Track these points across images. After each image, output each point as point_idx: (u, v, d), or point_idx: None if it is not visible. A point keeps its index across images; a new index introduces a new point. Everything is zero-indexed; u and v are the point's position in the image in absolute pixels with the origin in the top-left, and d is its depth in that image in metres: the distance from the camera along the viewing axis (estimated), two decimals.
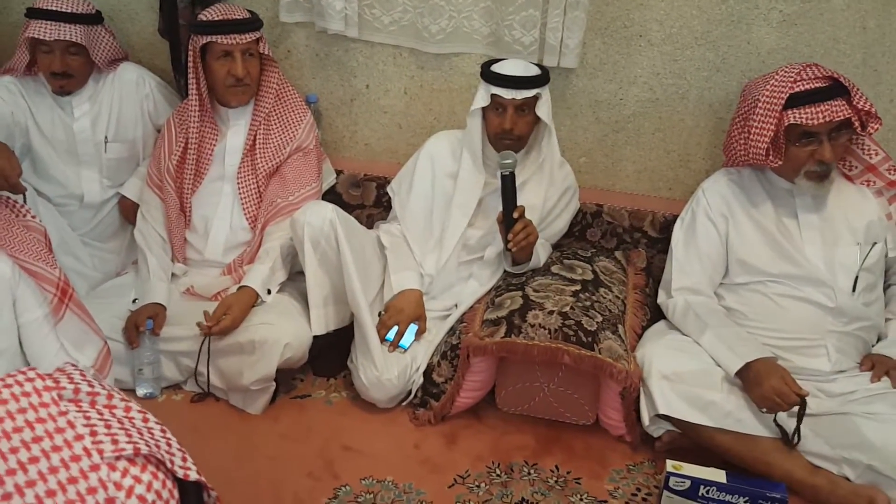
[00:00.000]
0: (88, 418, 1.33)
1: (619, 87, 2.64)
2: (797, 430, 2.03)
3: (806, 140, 2.14)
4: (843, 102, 2.10)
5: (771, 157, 2.19)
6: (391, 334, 2.36)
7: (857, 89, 2.12)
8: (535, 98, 2.33)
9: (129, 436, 1.33)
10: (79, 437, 1.29)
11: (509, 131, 2.34)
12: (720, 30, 2.49)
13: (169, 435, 1.42)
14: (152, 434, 1.39)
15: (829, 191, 2.21)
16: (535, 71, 2.34)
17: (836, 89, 2.11)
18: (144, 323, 2.31)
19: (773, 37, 2.47)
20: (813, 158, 2.14)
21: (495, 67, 2.34)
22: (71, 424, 1.30)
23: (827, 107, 2.09)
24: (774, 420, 2.05)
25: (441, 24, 2.63)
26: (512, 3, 2.51)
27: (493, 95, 2.32)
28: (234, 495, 2.00)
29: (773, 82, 2.16)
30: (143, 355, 2.31)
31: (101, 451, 1.29)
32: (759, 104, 2.17)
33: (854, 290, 2.18)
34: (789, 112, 2.12)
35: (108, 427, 1.33)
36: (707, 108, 2.60)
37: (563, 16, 2.47)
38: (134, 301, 2.44)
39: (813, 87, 2.11)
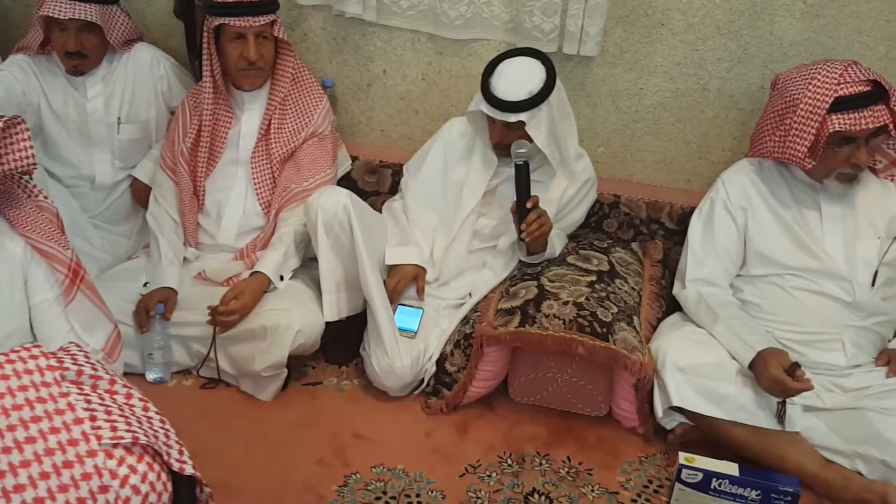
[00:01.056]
0: (89, 402, 1.31)
1: (640, 77, 2.61)
2: (782, 409, 2.02)
3: (844, 144, 2.11)
4: (884, 107, 2.07)
5: (807, 159, 2.15)
6: (400, 321, 2.34)
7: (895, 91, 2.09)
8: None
9: (129, 424, 1.32)
10: (78, 421, 1.27)
11: (500, 143, 2.32)
12: (742, 20, 2.46)
13: (168, 426, 1.40)
14: (151, 424, 1.37)
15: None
16: (529, 90, 2.24)
17: (878, 94, 2.07)
18: (155, 307, 2.30)
19: (795, 28, 2.43)
20: (848, 162, 2.11)
21: (494, 77, 2.28)
22: (71, 407, 1.28)
23: (870, 112, 2.06)
24: (778, 405, 2.03)
25: (460, 10, 2.60)
26: None
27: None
28: (243, 482, 2.00)
29: (817, 83, 2.11)
30: (153, 340, 2.30)
31: (99, 437, 1.27)
32: (801, 105, 2.12)
33: (873, 284, 2.16)
34: (833, 117, 2.07)
35: (109, 413, 1.31)
36: (728, 99, 2.57)
37: (583, 3, 2.44)
38: (145, 285, 2.43)
39: (857, 91, 2.07)
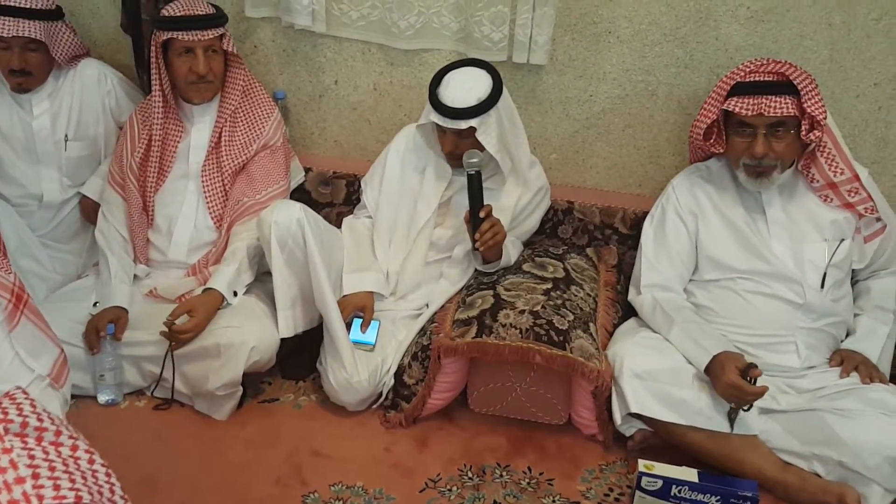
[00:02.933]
0: (32, 458, 1.25)
1: (589, 84, 2.62)
2: (734, 413, 2.04)
3: (742, 130, 2.16)
4: (790, 101, 2.10)
5: (712, 142, 2.25)
6: (354, 335, 2.32)
7: (814, 93, 2.10)
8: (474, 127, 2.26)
9: (73, 481, 1.26)
10: (20, 480, 1.20)
11: (452, 153, 2.32)
12: (688, 26, 2.48)
13: (113, 479, 1.34)
14: (96, 478, 1.31)
15: (773, 186, 2.20)
16: (477, 97, 2.24)
17: (785, 86, 2.11)
18: (105, 327, 2.25)
19: (740, 33, 2.47)
20: (749, 152, 2.15)
21: (441, 88, 2.28)
22: (13, 464, 1.21)
23: (766, 101, 2.10)
24: (730, 409, 2.04)
25: (410, 20, 2.59)
26: None
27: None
28: None
29: (732, 71, 2.20)
30: (104, 361, 2.26)
31: (41, 497, 1.20)
32: (713, 90, 2.22)
33: (822, 286, 2.19)
34: (731, 100, 2.15)
35: (52, 469, 1.26)
36: (676, 104, 2.60)
37: (531, 12, 2.45)
38: (95, 304, 2.38)
39: (761, 79, 2.13)
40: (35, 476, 1.23)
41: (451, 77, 2.30)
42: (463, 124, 2.25)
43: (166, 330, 2.23)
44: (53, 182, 2.63)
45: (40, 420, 1.31)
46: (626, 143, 2.69)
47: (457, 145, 2.30)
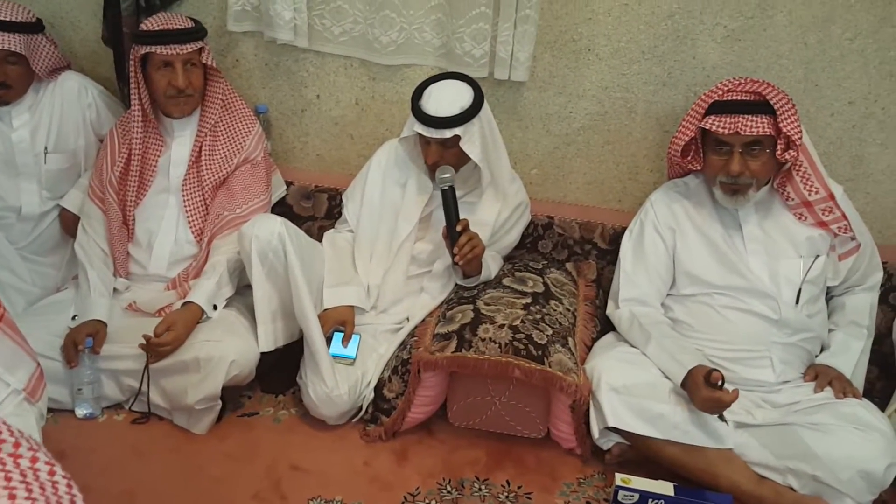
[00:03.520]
0: (9, 479, 1.24)
1: (569, 101, 2.65)
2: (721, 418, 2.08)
3: (719, 148, 2.18)
4: (766, 120, 2.12)
5: (690, 159, 2.28)
6: (335, 349, 2.32)
7: (790, 113, 2.12)
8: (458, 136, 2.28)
9: (30, 491, 1.24)
10: None
11: (437, 163, 2.33)
12: (666, 45, 2.52)
13: (75, 491, 1.32)
14: (56, 489, 1.28)
15: (749, 204, 2.23)
16: (461, 106, 2.26)
17: (762, 106, 2.13)
18: (84, 341, 2.24)
19: (717, 52, 2.50)
20: (725, 169, 2.17)
21: (423, 99, 2.30)
22: None
23: (742, 119, 2.12)
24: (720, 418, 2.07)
25: (392, 36, 2.61)
26: (462, 16, 2.50)
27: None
28: None
29: (711, 90, 2.22)
30: (82, 374, 2.25)
31: None
32: (691, 107, 2.25)
33: (797, 302, 2.22)
34: (708, 118, 2.17)
35: (8, 480, 1.24)
36: (654, 121, 2.63)
37: (513, 29, 2.47)
38: (73, 318, 2.36)
39: (738, 98, 2.15)
40: (11, 497, 1.21)
41: (433, 89, 2.32)
42: (448, 133, 2.26)
43: (145, 343, 2.22)
44: (32, 195, 2.61)
45: (15, 452, 1.29)
46: (606, 159, 2.72)
47: (441, 156, 2.32)
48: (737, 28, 2.46)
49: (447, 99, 2.28)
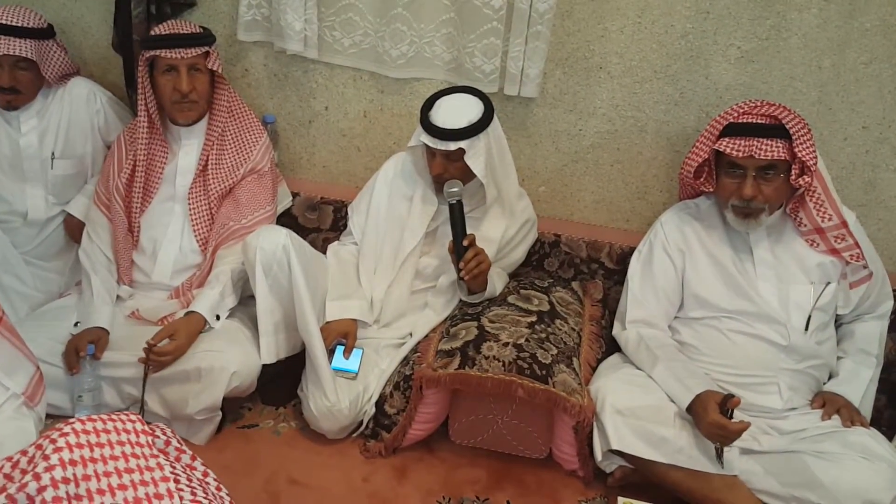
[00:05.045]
0: (173, 468, 1.44)
1: (579, 118, 2.64)
2: (720, 451, 2.03)
3: (732, 171, 2.17)
4: (781, 144, 2.10)
5: (702, 181, 2.26)
6: (337, 363, 2.30)
7: (806, 138, 2.10)
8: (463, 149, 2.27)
9: (206, 493, 1.46)
10: (165, 479, 1.39)
11: (440, 176, 2.32)
12: (679, 64, 2.50)
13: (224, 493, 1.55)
14: (222, 501, 1.51)
15: (760, 228, 2.21)
16: (468, 119, 2.26)
17: (777, 130, 2.11)
18: (85, 347, 2.22)
19: (730, 73, 2.49)
20: (738, 193, 2.15)
21: (433, 110, 2.30)
22: (160, 466, 1.41)
23: (757, 143, 2.10)
24: (716, 448, 2.03)
25: (402, 49, 2.60)
26: (473, 31, 2.50)
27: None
28: None
29: (726, 111, 2.20)
30: (83, 381, 2.23)
31: (181, 497, 1.39)
32: (705, 128, 2.23)
33: (807, 328, 2.19)
34: (723, 140, 2.15)
35: (189, 480, 1.45)
36: (665, 141, 2.61)
37: (524, 45, 2.46)
38: (76, 324, 2.35)
39: (754, 121, 2.13)
40: (176, 480, 1.44)
41: (444, 100, 2.32)
42: (452, 146, 2.26)
43: (145, 357, 2.20)
44: (38, 199, 2.61)
45: (180, 444, 1.55)
46: (615, 178, 2.70)
47: (445, 168, 2.31)
48: (750, 49, 2.45)
49: (455, 111, 2.28)
